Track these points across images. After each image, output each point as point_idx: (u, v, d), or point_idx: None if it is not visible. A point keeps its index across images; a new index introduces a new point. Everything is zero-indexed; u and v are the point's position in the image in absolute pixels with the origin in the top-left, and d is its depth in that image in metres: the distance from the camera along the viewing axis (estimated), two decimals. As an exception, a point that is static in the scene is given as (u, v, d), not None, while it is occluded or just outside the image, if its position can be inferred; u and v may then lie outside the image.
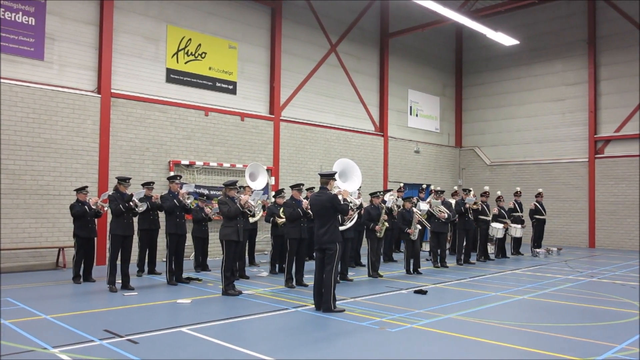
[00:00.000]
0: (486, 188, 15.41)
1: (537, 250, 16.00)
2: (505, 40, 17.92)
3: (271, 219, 11.81)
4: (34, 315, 7.23)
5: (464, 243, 13.86)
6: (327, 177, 8.06)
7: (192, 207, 10.89)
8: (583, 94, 20.16)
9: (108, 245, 9.69)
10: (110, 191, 10.16)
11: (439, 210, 12.82)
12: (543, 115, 21.28)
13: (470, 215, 13.91)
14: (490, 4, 19.79)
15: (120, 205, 9.42)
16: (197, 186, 13.88)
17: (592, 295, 9.36)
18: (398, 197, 13.97)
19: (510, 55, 21.88)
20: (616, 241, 19.01)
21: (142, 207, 10.04)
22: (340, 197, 8.03)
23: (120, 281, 9.48)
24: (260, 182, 11.97)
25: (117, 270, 9.42)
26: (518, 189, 16.94)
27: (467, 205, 13.74)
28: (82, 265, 10.33)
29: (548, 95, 21.18)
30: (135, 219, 10.21)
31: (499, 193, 16.00)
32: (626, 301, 8.76)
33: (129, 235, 9.60)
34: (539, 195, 16.75)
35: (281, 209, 11.46)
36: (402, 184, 17.03)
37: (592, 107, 19.80)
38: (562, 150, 20.67)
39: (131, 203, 9.59)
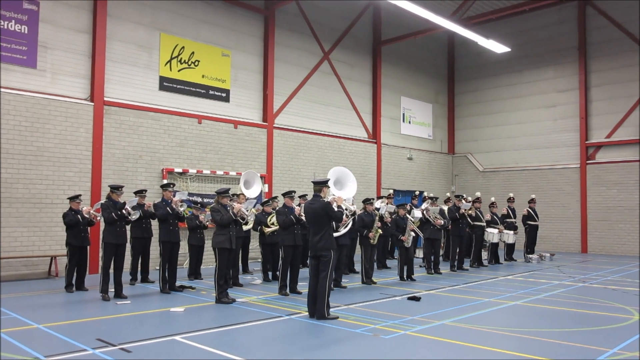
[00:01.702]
0: (478, 194, 15.49)
1: (530, 256, 16.06)
2: (497, 47, 18.08)
3: (259, 227, 11.80)
4: (26, 325, 7.18)
5: (457, 249, 13.90)
6: (321, 185, 8.09)
7: (185, 214, 10.87)
8: (574, 100, 20.33)
9: (101, 254, 9.65)
10: (103, 200, 10.13)
11: (435, 217, 12.87)
12: (535, 122, 21.42)
13: (469, 220, 13.98)
14: (482, 11, 19.97)
15: (113, 214, 9.39)
16: (190, 194, 13.87)
17: (584, 300, 9.40)
18: (388, 203, 14.00)
19: (502, 62, 22.04)
20: (608, 246, 19.12)
21: (135, 215, 10.02)
22: (334, 204, 8.05)
23: (113, 290, 9.44)
24: (254, 190, 11.98)
25: (110, 278, 9.38)
26: (511, 195, 17.02)
27: (462, 211, 13.79)
28: (75, 273, 10.28)
29: (540, 102, 21.33)
30: (128, 227, 10.18)
31: (492, 199, 16.08)
32: (618, 306, 8.81)
33: (121, 243, 9.56)
34: (532, 201, 16.83)
35: (269, 217, 11.48)
36: (391, 191, 17.06)
37: (583, 113, 19.96)
38: (554, 156, 20.80)
39: (124, 211, 9.57)
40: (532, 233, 16.59)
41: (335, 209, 8.07)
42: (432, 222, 12.86)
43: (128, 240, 10.08)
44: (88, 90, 13.04)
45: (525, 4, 17.93)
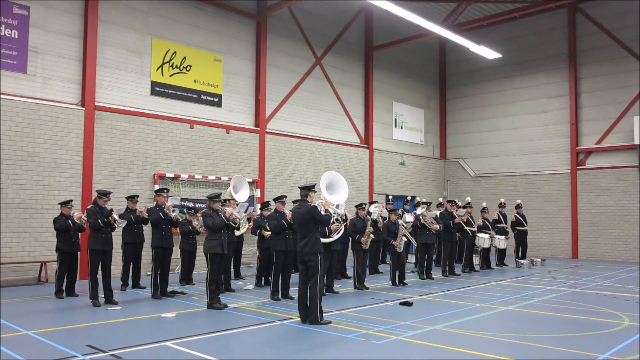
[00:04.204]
0: (468, 199, 15.53)
1: (522, 261, 16.11)
2: (488, 53, 18.19)
3: (257, 231, 11.78)
4: (16, 331, 7.11)
5: (449, 255, 13.92)
6: (307, 189, 8.13)
7: (178, 220, 10.82)
8: (565, 106, 20.47)
9: (88, 260, 9.56)
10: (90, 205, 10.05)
11: (431, 222, 12.90)
12: (526, 127, 21.54)
13: (464, 226, 14.05)
14: (473, 18, 20.12)
15: (99, 220, 9.31)
16: (182, 199, 13.83)
17: (575, 305, 9.44)
18: (386, 209, 14.02)
19: (493, 68, 22.17)
20: (599, 252, 19.22)
21: (122, 224, 9.95)
22: (321, 209, 8.06)
23: (103, 295, 9.37)
24: (242, 194, 11.98)
25: (98, 284, 9.32)
26: (502, 200, 17.09)
27: (457, 220, 13.83)
28: (65, 279, 10.20)
29: (530, 108, 21.46)
30: (118, 233, 10.10)
31: (483, 204, 16.13)
32: (609, 311, 8.85)
33: (107, 250, 9.47)
34: (518, 206, 16.91)
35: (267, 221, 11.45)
36: (390, 197, 17.06)
37: (574, 119, 20.10)
38: (545, 161, 20.91)
39: (110, 218, 9.49)
40: (521, 238, 16.66)
41: (323, 213, 8.08)
42: (428, 227, 12.89)
43: (119, 246, 10.02)
44: (79, 95, 12.98)
45: (515, 10, 18.08)
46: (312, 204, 7.96)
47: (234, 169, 15.68)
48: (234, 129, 15.92)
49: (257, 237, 12.05)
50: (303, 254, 7.80)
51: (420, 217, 13.05)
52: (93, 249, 9.31)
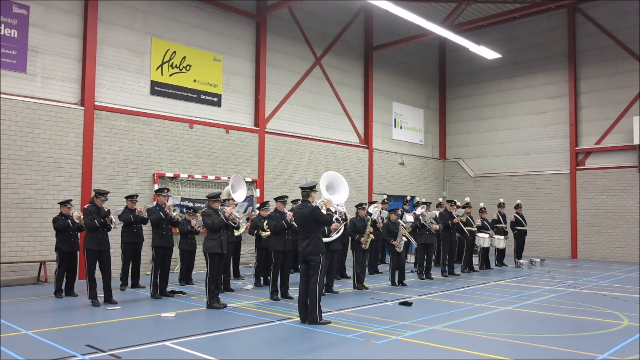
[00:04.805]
0: (467, 199, 15.53)
1: (521, 261, 16.12)
2: (488, 53, 18.20)
3: (255, 231, 11.78)
4: (15, 331, 7.11)
5: (448, 255, 13.92)
6: (308, 190, 8.12)
7: (178, 219, 10.82)
8: (564, 106, 20.48)
9: (85, 260, 9.55)
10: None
11: (431, 222, 12.90)
12: (525, 128, 21.55)
13: (471, 227, 14.07)
14: (473, 18, 20.12)
15: (96, 220, 9.30)
16: (182, 199, 13.83)
17: (574, 305, 9.45)
18: (382, 209, 14.01)
19: (493, 68, 22.18)
20: (598, 252, 19.23)
21: (119, 225, 9.94)
22: (323, 208, 8.06)
23: (102, 295, 9.37)
24: (239, 194, 11.98)
25: (97, 284, 9.30)
26: (501, 200, 17.09)
27: (456, 220, 13.82)
28: (64, 279, 10.20)
29: (530, 108, 21.47)
30: (118, 233, 10.09)
31: (481, 205, 16.13)
32: (608, 311, 8.86)
33: (104, 250, 9.44)
34: (517, 207, 16.92)
35: (265, 222, 11.46)
36: (385, 196, 17.08)
37: (573, 119, 20.11)
38: (544, 162, 20.92)
39: (107, 219, 9.47)
40: (520, 238, 16.66)
41: (325, 213, 8.07)
42: (427, 227, 12.88)
43: (113, 246, 9.99)
44: (79, 94, 12.98)
45: (515, 10, 18.10)
46: (314, 205, 7.96)
47: (233, 169, 15.68)
48: (234, 129, 15.92)
49: (254, 237, 12.05)
50: (305, 254, 7.80)
51: (420, 217, 13.06)
52: (89, 249, 9.30)
